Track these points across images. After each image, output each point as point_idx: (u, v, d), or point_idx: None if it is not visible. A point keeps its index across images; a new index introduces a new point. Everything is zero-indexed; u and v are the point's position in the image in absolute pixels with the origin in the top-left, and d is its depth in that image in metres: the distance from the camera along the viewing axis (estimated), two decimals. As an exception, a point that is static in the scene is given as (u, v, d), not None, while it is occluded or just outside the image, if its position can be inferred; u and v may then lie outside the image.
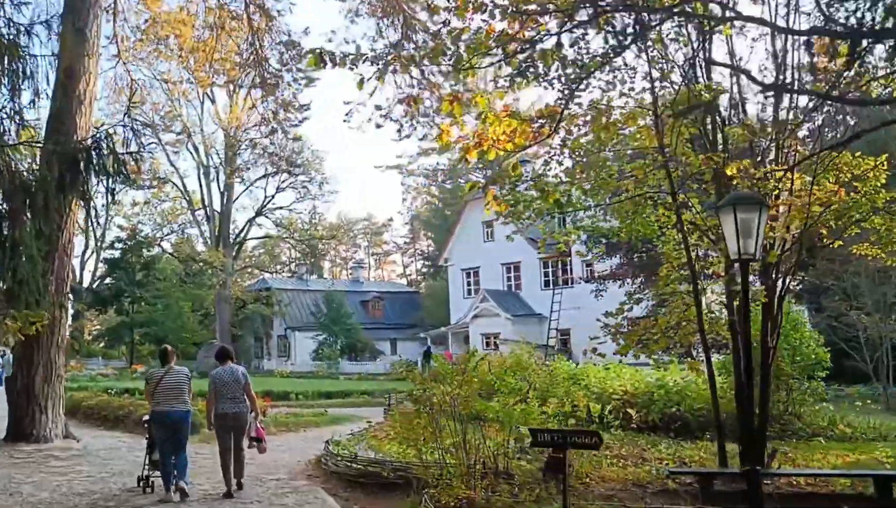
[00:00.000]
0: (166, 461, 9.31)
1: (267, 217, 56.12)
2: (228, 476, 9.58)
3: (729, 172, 9.14)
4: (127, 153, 9.60)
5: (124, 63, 18.48)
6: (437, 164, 78.05)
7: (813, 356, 14.91)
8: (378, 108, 16.42)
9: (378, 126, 15.36)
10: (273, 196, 55.31)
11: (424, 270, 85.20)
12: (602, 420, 14.13)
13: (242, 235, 57.06)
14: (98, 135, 9.71)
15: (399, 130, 16.32)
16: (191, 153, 53.70)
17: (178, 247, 56.01)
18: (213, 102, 52.48)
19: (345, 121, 15.99)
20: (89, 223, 37.87)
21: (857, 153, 10.23)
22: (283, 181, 54.51)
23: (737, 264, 8.65)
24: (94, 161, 9.26)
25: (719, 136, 10.78)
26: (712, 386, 10.32)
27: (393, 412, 13.86)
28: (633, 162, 12.46)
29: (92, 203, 9.72)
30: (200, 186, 54.16)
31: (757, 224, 6.42)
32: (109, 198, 10.24)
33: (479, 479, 8.42)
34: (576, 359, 41.12)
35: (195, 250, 58.15)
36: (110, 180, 9.53)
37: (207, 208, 54.38)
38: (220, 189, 54.49)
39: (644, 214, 11.42)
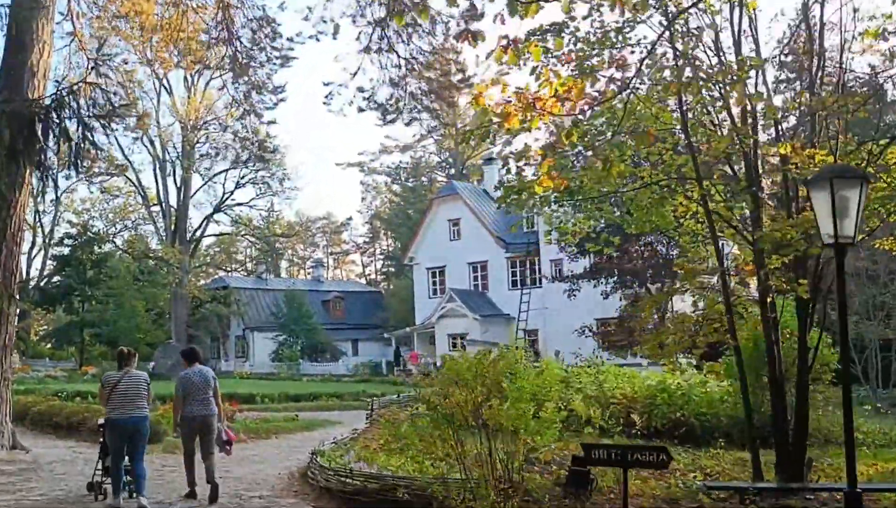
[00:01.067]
0: (118, 467, 8.81)
1: (226, 214, 54.38)
2: (193, 475, 9.30)
3: (783, 151, 8.18)
4: (94, 116, 8.22)
5: (79, 40, 17.00)
6: (400, 162, 76.99)
7: (821, 359, 14.15)
8: (360, 90, 15.40)
9: (360, 110, 14.16)
10: (232, 192, 53.62)
11: (386, 269, 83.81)
12: (602, 426, 13.14)
13: (200, 232, 55.13)
14: (59, 93, 8.25)
15: (384, 115, 15.28)
16: (146, 147, 51.68)
17: (132, 244, 53.86)
18: (170, 93, 50.64)
19: (325, 103, 14.95)
20: (42, 202, 35.39)
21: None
22: (243, 177, 52.92)
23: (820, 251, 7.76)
24: (55, 124, 7.84)
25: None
26: (744, 390, 9.41)
27: (380, 419, 12.73)
28: (649, 146, 11.54)
29: (50, 176, 8.25)
30: (156, 180, 52.19)
31: (857, 202, 5.48)
32: (74, 171, 8.73)
33: (506, 497, 7.37)
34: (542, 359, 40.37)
35: (149, 247, 56.09)
36: (74, 149, 8.12)
37: (163, 204, 52.42)
38: (176, 184, 52.56)
39: (663, 204, 10.43)
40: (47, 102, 8.14)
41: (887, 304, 22.06)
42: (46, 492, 9.74)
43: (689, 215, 10.70)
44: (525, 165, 10.50)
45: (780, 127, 10.12)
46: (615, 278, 32.81)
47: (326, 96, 14.13)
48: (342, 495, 8.64)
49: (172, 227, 51.93)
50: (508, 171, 10.50)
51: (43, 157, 7.94)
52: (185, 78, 51.76)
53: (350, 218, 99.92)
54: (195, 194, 53.70)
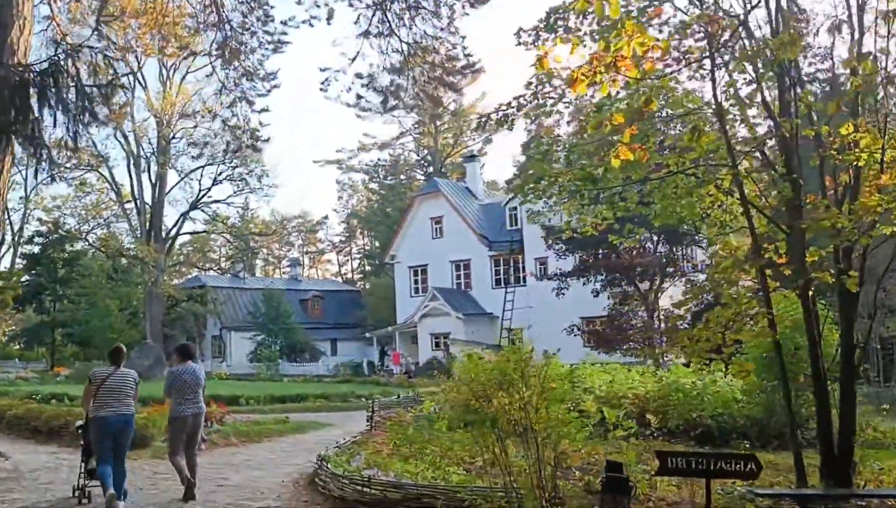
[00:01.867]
0: (105, 468, 8.43)
1: (203, 211, 53.23)
2: (184, 472, 8.95)
3: (844, 132, 7.62)
4: (95, 86, 7.41)
5: (57, 24, 16.09)
6: (378, 159, 76.16)
7: (835, 355, 13.69)
8: (359, 76, 14.70)
9: (359, 97, 13.47)
10: (209, 189, 52.56)
11: (365, 268, 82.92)
12: (616, 428, 12.56)
13: (175, 229, 53.90)
14: (56, 57, 7.38)
15: (384, 102, 14.61)
16: (119, 142, 50.45)
17: (105, 242, 52.50)
18: (144, 87, 49.51)
19: (321, 89, 14.19)
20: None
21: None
22: (221, 173, 51.87)
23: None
24: (51, 93, 7.02)
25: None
26: (786, 390, 8.87)
27: (384, 422, 12.04)
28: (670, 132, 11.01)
29: (44, 152, 7.43)
30: (130, 177, 50.87)
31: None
32: (72, 144, 7.91)
33: (553, 506, 6.75)
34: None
35: (123, 245, 54.76)
36: (72, 121, 7.30)
37: (137, 201, 51.16)
38: (151, 180, 51.37)
39: (690, 193, 9.86)
40: (44, 66, 7.29)
41: (886, 302, 21.75)
42: (31, 504, 8.94)
43: (717, 205, 10.17)
44: (546, 151, 9.90)
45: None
46: (604, 276, 32.32)
47: (323, 82, 13.37)
48: (360, 505, 7.95)
49: (147, 224, 50.72)
50: (530, 157, 9.79)
51: (36, 129, 7.13)
52: (161, 72, 50.77)
53: (326, 217, 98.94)
54: (171, 190, 52.59)
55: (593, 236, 32.36)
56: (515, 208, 46.06)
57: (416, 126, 74.44)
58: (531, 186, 9.88)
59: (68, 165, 38.91)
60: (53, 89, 7.07)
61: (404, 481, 8.00)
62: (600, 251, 32.59)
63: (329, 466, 9.13)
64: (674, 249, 32.42)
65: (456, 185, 53.28)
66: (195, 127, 50.76)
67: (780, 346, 8.97)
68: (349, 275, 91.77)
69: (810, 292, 8.86)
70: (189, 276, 68.06)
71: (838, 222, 7.89)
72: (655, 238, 32.09)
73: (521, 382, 7.47)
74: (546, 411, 7.31)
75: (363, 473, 8.52)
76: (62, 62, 7.27)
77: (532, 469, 7.15)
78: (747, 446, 11.65)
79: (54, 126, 7.29)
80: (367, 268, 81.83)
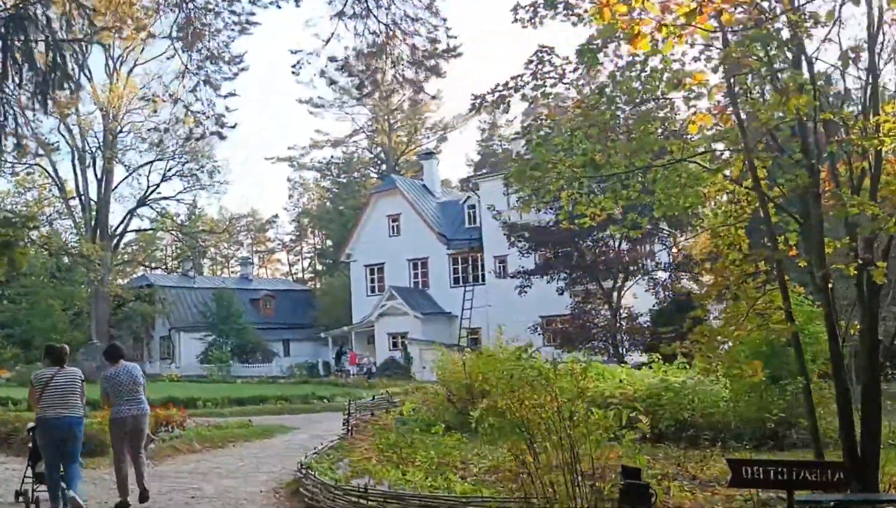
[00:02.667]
0: (53, 473, 8.17)
1: (151, 207, 51.51)
2: (126, 487, 8.58)
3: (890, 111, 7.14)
4: (69, 41, 6.51)
5: None
6: (332, 157, 74.98)
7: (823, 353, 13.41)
8: (332, 59, 13.90)
9: (332, 82, 12.67)
10: (158, 185, 50.94)
11: (318, 267, 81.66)
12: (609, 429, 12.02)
13: (122, 227, 52.06)
14: (23, 4, 6.40)
15: (360, 87, 13.84)
16: (63, 136, 48.51)
17: (49, 239, 50.39)
18: (89, 78, 47.54)
19: (293, 73, 13.28)
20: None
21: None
22: (170, 169, 50.34)
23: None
24: (16, 44, 6.08)
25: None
26: (807, 391, 8.38)
27: (364, 425, 11.30)
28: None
29: (7, 111, 6.46)
30: (74, 172, 49.01)
31: None
32: (37, 105, 6.95)
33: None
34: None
35: (66, 242, 52.65)
36: (42, 78, 6.36)
37: (82, 197, 49.29)
38: (97, 176, 49.54)
39: (697, 181, 9.35)
40: (9, 13, 6.36)
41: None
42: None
43: (724, 194, 9.69)
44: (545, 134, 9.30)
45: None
46: (568, 274, 31.97)
47: (295, 65, 12.58)
48: (354, 518, 7.23)
49: (92, 221, 48.91)
50: (530, 141, 9.16)
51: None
52: (107, 63, 48.99)
53: (276, 215, 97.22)
54: (117, 186, 50.83)
55: (556, 234, 32.10)
56: (474, 207, 45.58)
57: (369, 123, 73.59)
58: (528, 173, 9.27)
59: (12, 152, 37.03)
60: (20, 41, 6.14)
61: (404, 491, 7.29)
62: (561, 250, 32.26)
63: (315, 475, 8.36)
64: (637, 247, 32.23)
65: (413, 182, 52.55)
66: (146, 119, 49.34)
67: (799, 341, 8.48)
68: (300, 275, 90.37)
69: (829, 285, 8.40)
70: (136, 275, 66.04)
71: (868, 209, 7.43)
72: (619, 235, 31.87)
73: (555, 383, 6.79)
74: (586, 414, 6.66)
75: (354, 482, 7.79)
76: (31, 11, 6.34)
77: (567, 477, 6.51)
78: (748, 447, 11.22)
79: (19, 87, 6.37)
80: (320, 267, 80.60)
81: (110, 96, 46.92)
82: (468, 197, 47.14)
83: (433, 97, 14.41)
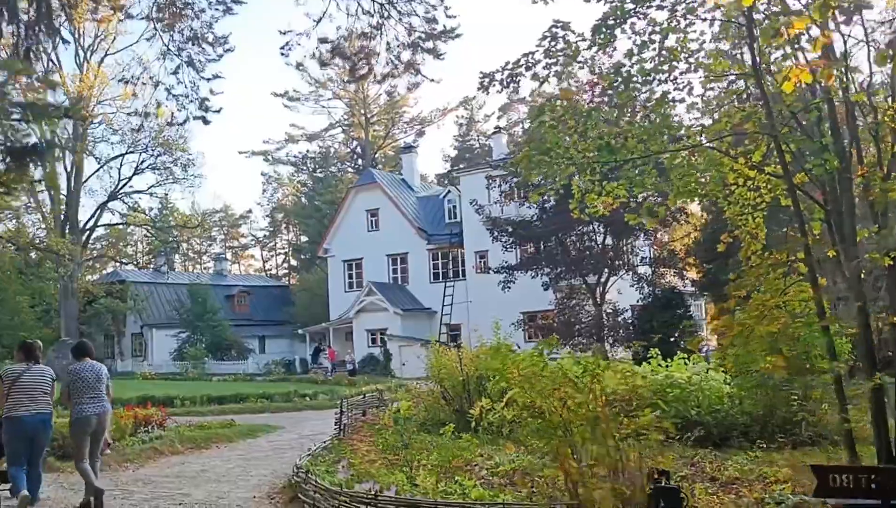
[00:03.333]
0: (18, 471, 7.97)
1: (123, 201, 50.35)
2: (93, 481, 8.24)
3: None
4: None
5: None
6: (307, 151, 74.04)
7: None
8: (323, 41, 13.25)
9: (323, 64, 12.07)
10: (130, 178, 49.83)
11: (290, 262, 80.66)
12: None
13: (93, 221, 50.81)
14: None
15: (352, 70, 13.17)
16: (32, 128, 47.14)
17: (16, 234, 49.00)
18: (59, 67, 46.29)
19: (282, 54, 12.64)
20: None
21: None
22: (143, 162, 49.23)
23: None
24: None
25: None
26: (839, 390, 7.91)
27: (360, 424, 10.70)
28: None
29: None
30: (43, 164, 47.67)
31: None
32: (23, 66, 6.31)
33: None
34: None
35: (33, 236, 51.22)
36: (24, 34, 5.68)
37: (51, 190, 47.93)
38: (66, 169, 48.30)
39: (716, 166, 8.87)
40: None
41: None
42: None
43: (744, 181, 9.22)
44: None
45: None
46: (553, 269, 31.52)
47: (283, 47, 11.95)
48: (365, 527, 6.64)
49: (62, 215, 47.71)
50: (542, 123, 8.59)
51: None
52: (77, 53, 47.77)
53: (250, 211, 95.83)
54: (88, 179, 49.63)
55: (539, 228, 31.59)
56: (454, 201, 45.04)
57: (346, 117, 72.72)
58: (537, 158, 8.73)
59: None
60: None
61: (419, 497, 6.72)
62: (546, 244, 31.82)
63: (315, 479, 7.75)
64: (620, 241, 31.87)
65: (393, 176, 51.88)
66: (117, 111, 48.24)
67: (830, 335, 8.02)
68: (273, 271, 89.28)
69: (861, 276, 7.97)
70: (106, 271, 64.68)
71: (910, 195, 6.99)
72: (603, 230, 31.52)
73: (597, 382, 6.27)
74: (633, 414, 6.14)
75: (358, 487, 7.20)
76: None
77: (612, 482, 5.99)
78: (762, 446, 10.79)
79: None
80: (295, 263, 79.64)
81: (80, 87, 45.77)
82: (448, 192, 46.59)
83: (432, 81, 13.66)
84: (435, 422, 12.53)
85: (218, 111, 13.45)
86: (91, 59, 47.83)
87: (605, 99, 9.27)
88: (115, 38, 47.44)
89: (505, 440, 10.80)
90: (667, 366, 14.15)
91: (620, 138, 8.59)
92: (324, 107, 72.11)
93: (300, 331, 48.67)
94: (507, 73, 8.81)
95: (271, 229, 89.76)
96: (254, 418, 18.85)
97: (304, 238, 78.09)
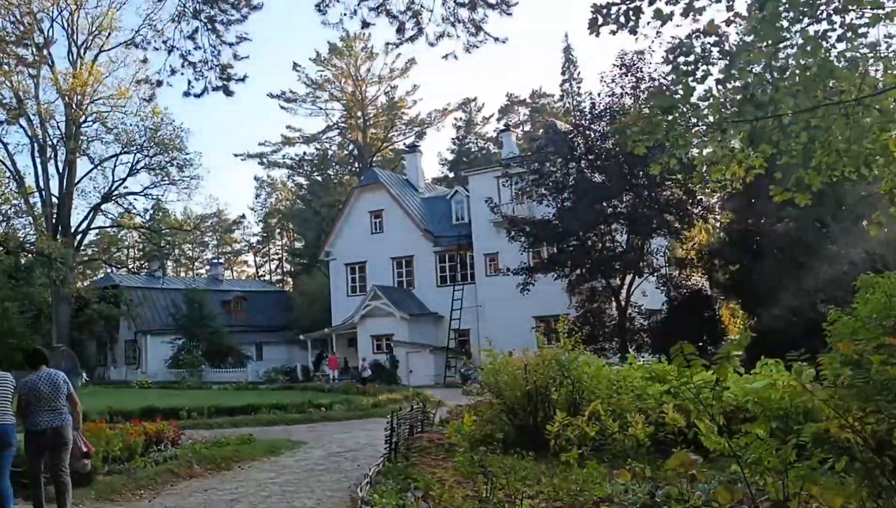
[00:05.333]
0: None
1: (118, 203, 48.52)
2: (42, 504, 7.89)
3: None
4: None
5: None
6: (304, 154, 72.36)
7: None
8: (366, -4, 11.66)
9: (365, 25, 10.38)
10: (124, 179, 48.06)
11: (284, 268, 78.93)
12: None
13: (86, 224, 48.92)
14: None
15: (400, 30, 11.50)
16: (23, 128, 45.43)
17: (5, 237, 47.10)
18: (51, 65, 44.59)
19: (319, 11, 10.99)
20: None
21: None
22: (138, 162, 47.48)
23: None
24: None
25: None
26: None
27: (427, 443, 9.05)
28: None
29: None
30: (34, 164, 45.94)
31: None
32: None
33: None
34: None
35: (24, 239, 49.32)
36: None
37: (43, 192, 46.21)
38: (58, 169, 46.55)
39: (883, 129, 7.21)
40: None
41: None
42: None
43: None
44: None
45: None
46: (575, 270, 29.94)
47: (319, 5, 10.38)
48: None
49: (53, 217, 45.86)
50: (676, 69, 6.91)
51: None
52: (70, 50, 46.07)
53: (243, 216, 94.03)
54: (80, 180, 47.78)
55: (558, 228, 30.00)
56: (462, 202, 43.47)
57: (343, 119, 71.10)
58: (657, 119, 7.10)
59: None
60: None
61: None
62: (569, 244, 30.24)
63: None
64: (644, 241, 30.36)
65: (397, 177, 50.29)
66: (105, 111, 46.55)
67: None
68: (266, 277, 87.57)
69: None
70: (98, 276, 62.79)
71: None
72: (626, 229, 30.02)
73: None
74: None
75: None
76: None
77: None
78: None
79: None
80: (292, 268, 77.92)
81: (73, 84, 44.07)
82: (455, 192, 45.01)
83: (498, 40, 11.79)
84: (494, 439, 10.93)
85: (242, 80, 11.82)
86: (85, 56, 46.10)
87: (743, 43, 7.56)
88: (109, 33, 45.76)
89: (590, 461, 9.20)
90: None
91: (769, 89, 6.94)
92: (321, 108, 70.61)
93: (301, 337, 46.88)
94: (625, 4, 7.12)
95: (264, 234, 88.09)
96: (269, 431, 17.17)
97: (300, 242, 76.36)
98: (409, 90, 69.82)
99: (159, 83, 11.61)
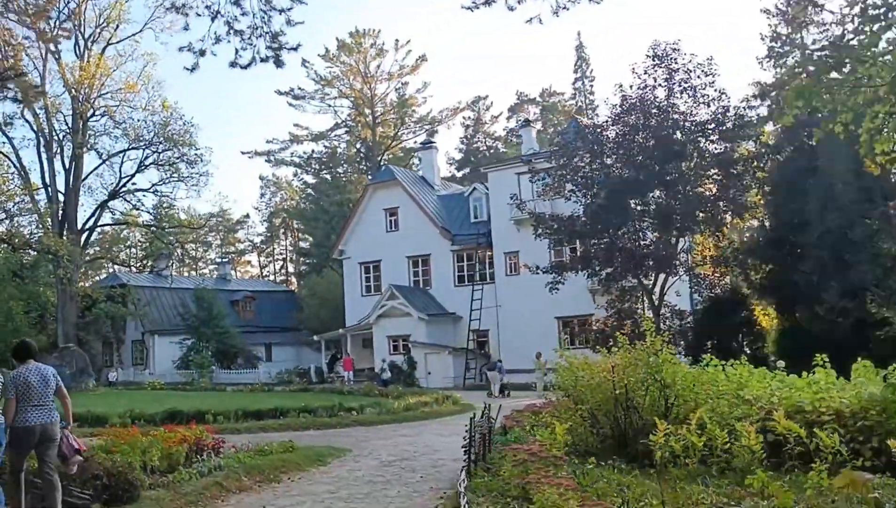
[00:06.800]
0: None
1: (126, 200, 47.38)
2: (20, 502, 7.54)
3: None
4: None
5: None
6: (313, 152, 71.17)
7: None
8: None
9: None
10: (132, 175, 46.93)
11: (298, 268, 77.79)
12: (835, 456, 8.76)
13: (93, 221, 47.76)
14: None
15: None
16: (27, 121, 44.26)
17: (10, 234, 45.92)
18: (57, 59, 43.49)
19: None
20: None
21: None
22: (146, 158, 46.35)
23: None
24: None
25: None
26: None
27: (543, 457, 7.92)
28: None
29: None
30: (40, 160, 44.74)
31: None
32: None
33: None
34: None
35: (29, 237, 48.15)
36: None
37: (48, 188, 45.03)
38: (64, 165, 45.32)
39: None
40: None
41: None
42: None
43: None
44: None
45: None
46: (606, 268, 28.82)
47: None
48: None
49: (59, 214, 44.68)
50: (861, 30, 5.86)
51: None
52: (77, 42, 44.92)
53: (247, 215, 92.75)
54: (87, 176, 46.59)
55: (587, 225, 28.89)
56: (480, 199, 42.36)
57: (351, 116, 69.98)
58: (824, 71, 6.02)
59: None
60: None
61: None
62: (601, 241, 29.10)
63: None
64: (677, 239, 29.25)
65: (413, 174, 49.15)
66: (114, 106, 45.47)
67: None
68: (271, 277, 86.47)
69: None
70: (103, 275, 61.61)
71: None
72: (659, 227, 28.91)
73: None
74: None
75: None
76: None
77: None
78: None
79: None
80: (298, 268, 76.78)
81: (81, 77, 42.96)
82: (473, 189, 43.88)
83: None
84: (579, 450, 9.82)
85: (295, 48, 10.71)
86: (92, 49, 44.97)
87: None
88: (117, 26, 44.67)
89: (694, 477, 8.12)
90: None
91: None
92: (330, 106, 69.43)
93: (315, 338, 45.74)
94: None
95: (269, 234, 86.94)
96: (302, 436, 16.02)
97: (305, 242, 75.22)
98: (420, 87, 68.58)
99: (202, 52, 10.50)
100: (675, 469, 8.57)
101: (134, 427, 12.94)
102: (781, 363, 13.07)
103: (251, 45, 10.36)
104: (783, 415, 9.21)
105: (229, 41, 10.26)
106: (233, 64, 10.36)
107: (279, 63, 10.41)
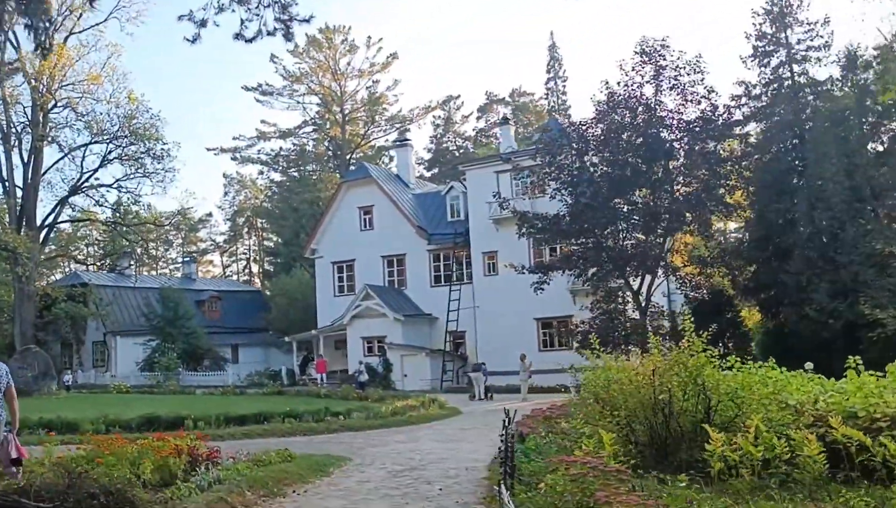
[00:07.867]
0: None
1: (88, 196, 45.63)
2: None
3: None
4: None
5: None
6: (280, 149, 69.76)
7: None
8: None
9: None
10: (95, 170, 45.16)
11: (264, 267, 76.22)
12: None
13: (53, 217, 45.92)
14: None
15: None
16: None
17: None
18: (16, 47, 41.68)
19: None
20: None
21: None
22: (110, 152, 44.68)
23: None
24: None
25: None
26: None
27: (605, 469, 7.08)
28: None
29: None
30: (-4, 153, 42.93)
31: None
32: None
33: None
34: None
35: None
36: None
37: (6, 182, 43.19)
38: (23, 159, 43.52)
39: None
40: None
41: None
42: None
43: None
44: None
45: None
46: (592, 268, 28.21)
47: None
48: None
49: (17, 209, 42.84)
50: None
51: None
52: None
53: (210, 214, 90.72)
54: (47, 171, 44.81)
55: (572, 225, 28.29)
56: (458, 198, 41.53)
57: (320, 114, 68.73)
58: None
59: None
60: None
61: None
62: (590, 240, 28.48)
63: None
64: (664, 239, 28.76)
65: (388, 171, 48.13)
66: (76, 98, 43.80)
67: None
68: (234, 276, 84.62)
69: None
70: (56, 273, 59.63)
71: None
72: (642, 227, 28.38)
73: None
74: None
75: None
76: None
77: None
78: None
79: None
80: (265, 267, 75.21)
81: (41, 67, 41.19)
82: (451, 188, 43.02)
83: None
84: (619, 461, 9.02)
85: (308, 20, 9.83)
86: (54, 39, 43.15)
87: None
88: (80, 15, 42.95)
89: (755, 490, 7.41)
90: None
91: None
92: (298, 102, 68.17)
93: (286, 339, 44.50)
94: None
95: (232, 232, 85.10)
96: (290, 443, 15.00)
97: (270, 241, 73.71)
98: (391, 85, 67.58)
99: (203, 23, 9.55)
100: (735, 482, 7.84)
101: (117, 435, 11.86)
102: (810, 365, 12.47)
103: (258, 15, 9.44)
104: (840, 421, 8.55)
105: (234, 10, 9.33)
106: (237, 36, 9.41)
107: (289, 36, 9.50)
